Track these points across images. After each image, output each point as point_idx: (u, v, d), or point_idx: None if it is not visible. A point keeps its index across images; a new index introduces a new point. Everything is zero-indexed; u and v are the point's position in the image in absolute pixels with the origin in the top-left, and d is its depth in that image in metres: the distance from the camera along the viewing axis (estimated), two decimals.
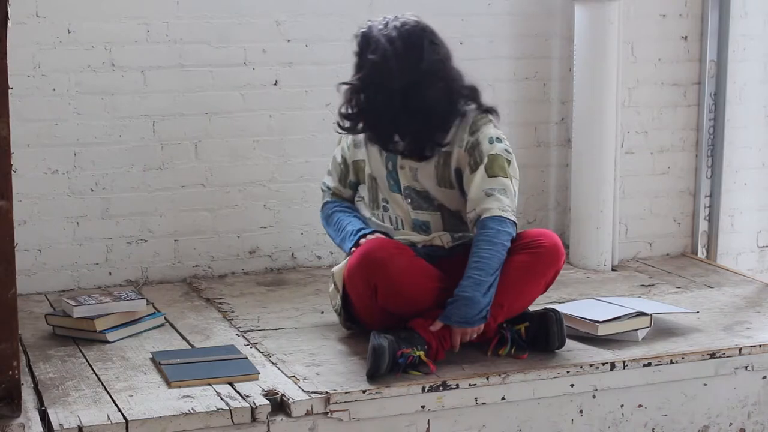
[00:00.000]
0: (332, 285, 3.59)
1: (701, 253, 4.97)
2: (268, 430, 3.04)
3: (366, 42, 3.46)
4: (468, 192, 3.45)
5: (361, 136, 3.62)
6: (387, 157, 3.56)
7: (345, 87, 3.49)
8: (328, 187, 3.76)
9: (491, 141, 3.46)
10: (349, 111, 3.51)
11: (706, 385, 3.53)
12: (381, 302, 3.36)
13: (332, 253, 4.55)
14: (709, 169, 4.94)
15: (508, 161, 3.46)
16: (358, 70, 3.47)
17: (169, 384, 3.17)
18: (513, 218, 3.43)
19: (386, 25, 3.45)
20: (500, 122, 4.69)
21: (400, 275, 3.31)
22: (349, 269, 3.43)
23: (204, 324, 3.82)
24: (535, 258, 3.41)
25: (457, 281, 3.32)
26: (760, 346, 3.58)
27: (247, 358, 3.38)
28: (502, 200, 3.40)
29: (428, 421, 3.23)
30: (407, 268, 3.33)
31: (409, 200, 3.54)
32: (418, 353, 3.26)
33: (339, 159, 3.71)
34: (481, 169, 3.43)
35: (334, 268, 3.57)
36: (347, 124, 3.54)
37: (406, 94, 3.41)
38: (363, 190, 3.70)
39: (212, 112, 4.39)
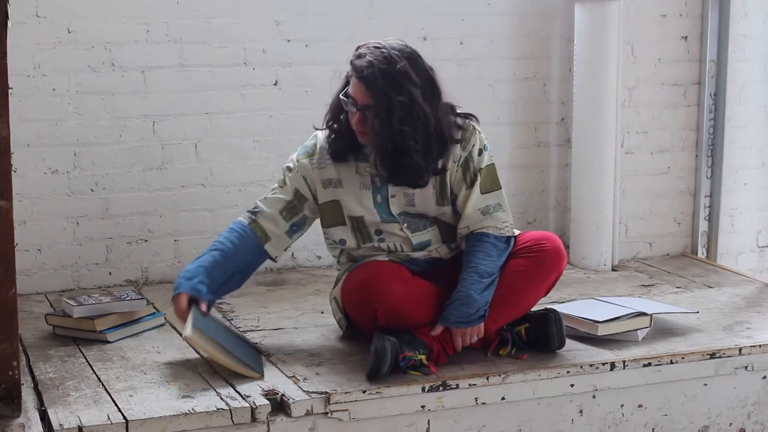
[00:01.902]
0: (333, 304, 3.56)
1: (701, 253, 4.97)
2: (268, 430, 3.03)
3: (389, 82, 3.22)
4: (463, 209, 3.40)
5: (330, 175, 3.41)
6: (375, 190, 3.40)
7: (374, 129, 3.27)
8: (257, 212, 3.41)
9: (480, 153, 3.41)
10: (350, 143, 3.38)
11: (706, 385, 3.53)
12: (381, 323, 3.31)
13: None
14: (709, 169, 4.94)
15: (494, 165, 3.44)
16: (388, 112, 3.22)
17: (183, 333, 3.15)
18: (510, 233, 3.41)
19: (388, 59, 3.23)
20: (500, 122, 4.76)
21: (398, 301, 3.27)
22: (346, 295, 3.42)
23: None
24: (538, 262, 3.40)
25: (456, 285, 3.32)
26: (760, 346, 3.58)
27: (262, 354, 3.40)
28: (498, 218, 3.39)
29: (428, 421, 3.22)
30: (405, 293, 3.28)
31: (406, 224, 3.43)
32: (419, 357, 3.25)
33: (290, 196, 3.43)
34: (476, 187, 3.38)
35: (334, 293, 3.53)
36: (341, 152, 3.40)
37: (433, 125, 3.30)
38: (338, 234, 3.46)
39: (212, 112, 4.39)
